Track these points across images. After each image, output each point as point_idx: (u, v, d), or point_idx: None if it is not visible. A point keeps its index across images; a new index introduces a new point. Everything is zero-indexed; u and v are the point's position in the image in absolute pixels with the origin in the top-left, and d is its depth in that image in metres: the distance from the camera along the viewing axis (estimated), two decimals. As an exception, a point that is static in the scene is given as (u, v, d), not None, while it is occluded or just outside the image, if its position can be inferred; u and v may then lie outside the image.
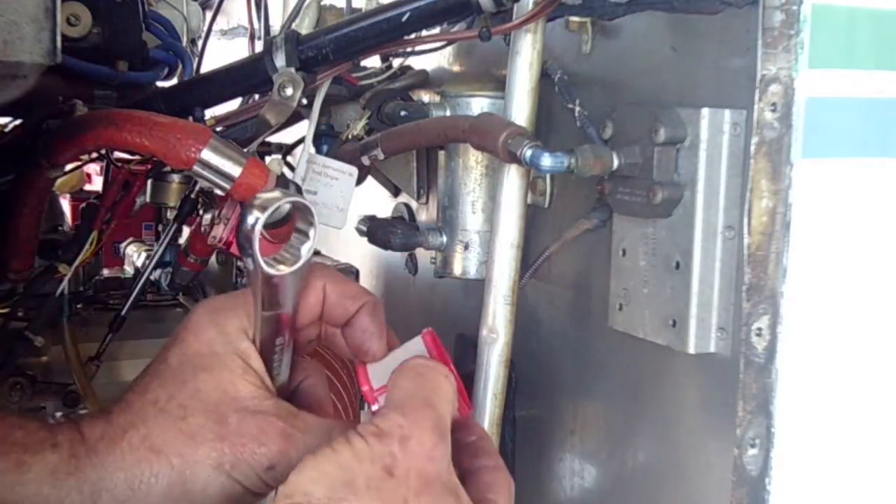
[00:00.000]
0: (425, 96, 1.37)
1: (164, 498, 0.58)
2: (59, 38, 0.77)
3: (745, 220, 0.85)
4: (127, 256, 1.87)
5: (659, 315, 0.97)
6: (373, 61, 1.36)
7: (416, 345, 0.65)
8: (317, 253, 1.73)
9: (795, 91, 0.83)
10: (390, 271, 1.72)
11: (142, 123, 0.92)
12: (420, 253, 1.46)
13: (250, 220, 0.57)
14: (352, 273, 1.58)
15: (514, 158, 1.03)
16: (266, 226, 0.60)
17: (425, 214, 1.49)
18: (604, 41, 1.10)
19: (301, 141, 1.23)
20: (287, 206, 0.60)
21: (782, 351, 0.85)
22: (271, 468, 0.59)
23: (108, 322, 1.35)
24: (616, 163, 1.00)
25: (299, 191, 0.95)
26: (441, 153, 1.33)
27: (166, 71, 1.44)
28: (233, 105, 1.31)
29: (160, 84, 1.42)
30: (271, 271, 0.59)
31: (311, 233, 0.61)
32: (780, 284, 0.85)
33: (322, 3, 1.34)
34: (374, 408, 0.63)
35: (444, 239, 1.30)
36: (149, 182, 1.43)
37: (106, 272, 1.73)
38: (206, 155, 0.89)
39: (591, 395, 1.16)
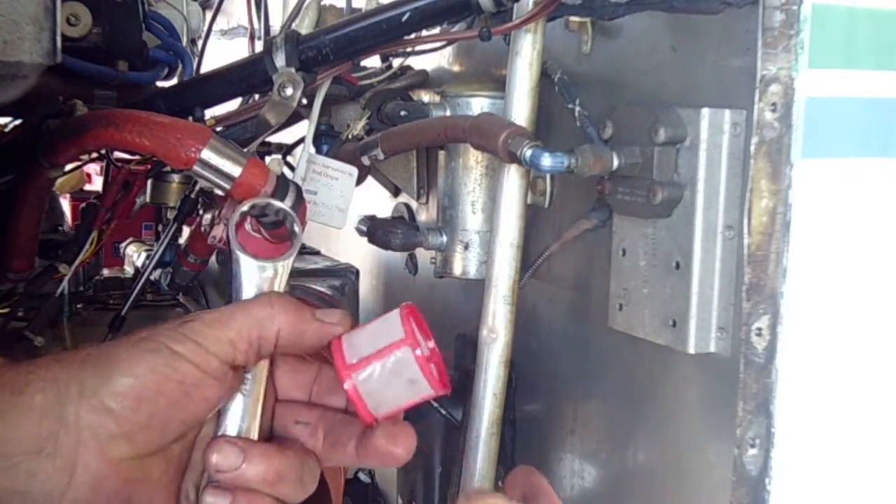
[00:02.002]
0: (425, 96, 1.38)
1: (84, 362, 0.61)
2: (59, 38, 0.77)
3: (745, 220, 0.85)
4: (127, 256, 1.87)
5: (659, 315, 0.97)
6: (373, 61, 1.36)
7: (394, 319, 0.65)
8: (317, 253, 1.74)
9: (795, 91, 0.84)
10: (390, 271, 1.73)
11: (142, 123, 0.92)
12: (420, 253, 1.46)
13: (234, 214, 0.68)
14: (352, 273, 1.58)
15: (514, 158, 1.03)
16: (266, 225, 0.66)
17: (425, 214, 1.49)
18: (604, 41, 1.10)
19: (301, 141, 1.23)
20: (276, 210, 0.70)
21: (782, 351, 0.85)
22: (187, 321, 0.62)
23: (108, 322, 1.35)
24: (616, 163, 1.00)
25: (299, 191, 0.95)
26: (441, 153, 1.33)
27: (166, 71, 1.44)
28: (233, 105, 1.31)
29: (160, 84, 1.42)
30: (242, 256, 0.67)
31: (294, 240, 0.69)
32: (780, 284, 0.85)
33: (322, 3, 1.34)
34: (346, 386, 0.63)
35: (444, 239, 1.31)
36: (149, 182, 1.43)
37: (106, 272, 1.73)
38: (207, 155, 0.89)
39: (591, 394, 1.16)
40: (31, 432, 0.59)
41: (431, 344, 0.67)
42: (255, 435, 0.66)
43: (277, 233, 0.71)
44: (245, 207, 0.68)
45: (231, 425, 0.65)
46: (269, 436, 0.67)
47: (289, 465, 0.64)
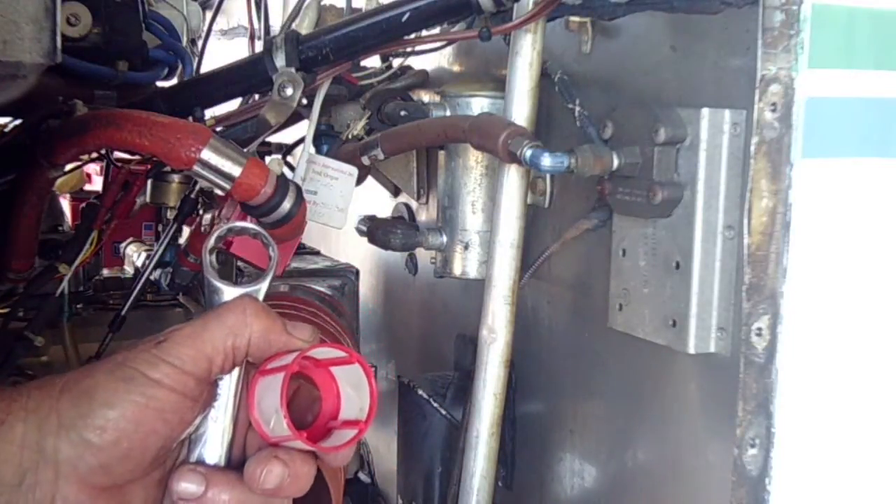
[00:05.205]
0: (425, 96, 1.38)
1: (62, 392, 0.60)
2: (59, 38, 0.77)
3: (745, 220, 0.85)
4: (127, 256, 1.87)
5: (659, 315, 0.97)
6: (373, 61, 1.36)
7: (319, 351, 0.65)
8: (317, 253, 1.74)
9: (795, 91, 0.83)
10: (390, 271, 1.73)
11: (142, 123, 0.92)
12: (420, 253, 1.46)
13: (208, 240, 0.68)
14: (352, 273, 1.58)
15: (514, 158, 1.03)
16: (266, 225, 0.66)
17: (425, 214, 1.49)
18: (604, 41, 1.10)
19: (301, 141, 1.23)
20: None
21: (782, 351, 0.85)
22: (161, 342, 0.62)
23: (108, 322, 1.35)
24: (616, 163, 1.00)
25: (299, 191, 0.95)
26: (441, 153, 1.33)
27: (166, 71, 1.44)
28: (233, 105, 1.31)
29: (160, 84, 1.42)
30: (216, 282, 0.66)
31: (269, 264, 0.69)
32: (780, 284, 0.85)
33: (322, 3, 1.34)
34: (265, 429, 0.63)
35: (444, 239, 1.31)
36: (149, 182, 1.43)
37: (106, 272, 1.73)
38: (207, 155, 0.89)
39: (591, 395, 1.16)
40: (13, 464, 0.59)
41: (364, 404, 0.64)
42: (222, 461, 0.65)
43: (278, 233, 0.71)
44: (220, 232, 0.69)
45: (199, 451, 0.65)
46: (242, 460, 0.66)
47: (250, 494, 0.63)
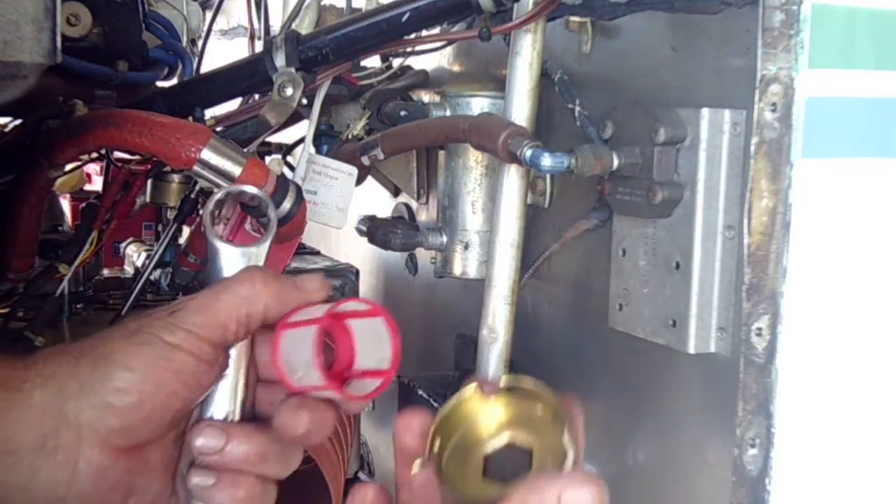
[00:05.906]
0: (425, 96, 1.37)
1: (80, 357, 0.61)
2: (59, 38, 0.77)
3: (745, 220, 0.85)
4: (127, 256, 1.87)
5: (659, 315, 0.97)
6: (373, 61, 1.36)
7: (349, 304, 0.65)
8: (317, 253, 1.74)
9: (795, 91, 0.84)
10: (390, 271, 1.73)
11: (142, 123, 0.92)
12: (420, 253, 1.46)
13: (208, 203, 0.68)
14: (352, 273, 1.58)
15: (514, 158, 1.03)
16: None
17: (425, 214, 1.49)
18: (604, 41, 1.10)
19: (301, 141, 1.23)
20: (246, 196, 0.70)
21: (782, 351, 0.85)
22: (175, 311, 0.63)
23: (108, 322, 1.35)
24: (616, 163, 1.00)
25: (299, 191, 0.95)
26: (441, 153, 1.33)
27: (166, 71, 1.44)
28: (233, 105, 1.31)
29: (160, 84, 1.42)
30: (217, 243, 0.67)
31: (269, 226, 0.69)
32: (780, 284, 0.85)
33: (322, 3, 1.34)
34: (292, 381, 0.64)
35: (444, 239, 1.30)
36: (149, 182, 1.42)
37: (106, 272, 1.73)
38: (207, 155, 0.89)
39: (591, 395, 1.16)
40: (33, 429, 0.59)
41: (386, 355, 0.65)
42: (237, 416, 0.66)
43: (281, 231, 0.71)
44: (219, 195, 0.69)
45: (214, 408, 0.66)
46: (252, 416, 0.68)
47: (271, 444, 0.65)
